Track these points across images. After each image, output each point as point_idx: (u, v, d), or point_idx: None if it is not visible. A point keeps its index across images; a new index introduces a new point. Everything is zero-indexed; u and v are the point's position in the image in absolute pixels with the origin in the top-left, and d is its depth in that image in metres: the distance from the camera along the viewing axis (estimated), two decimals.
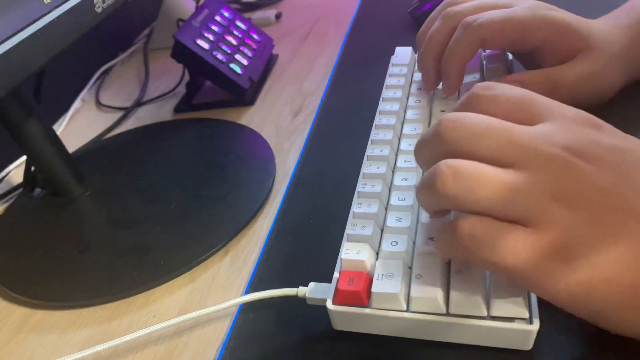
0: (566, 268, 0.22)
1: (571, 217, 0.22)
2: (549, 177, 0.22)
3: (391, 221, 0.30)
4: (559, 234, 0.22)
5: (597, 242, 0.22)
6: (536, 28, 0.36)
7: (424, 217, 0.30)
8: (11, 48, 0.31)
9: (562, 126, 0.24)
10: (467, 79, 0.41)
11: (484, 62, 0.43)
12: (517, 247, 0.22)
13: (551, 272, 0.22)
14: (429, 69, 0.40)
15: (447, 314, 0.26)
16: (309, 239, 0.36)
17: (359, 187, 0.33)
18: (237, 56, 0.55)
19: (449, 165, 0.23)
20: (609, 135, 0.24)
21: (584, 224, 0.22)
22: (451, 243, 0.24)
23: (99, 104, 0.64)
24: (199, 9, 0.56)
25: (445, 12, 0.38)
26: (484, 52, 0.45)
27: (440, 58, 0.38)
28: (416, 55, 0.47)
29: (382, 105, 0.40)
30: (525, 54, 0.42)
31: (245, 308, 0.33)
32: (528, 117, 0.25)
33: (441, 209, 0.27)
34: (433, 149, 0.25)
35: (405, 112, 0.40)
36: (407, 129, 0.38)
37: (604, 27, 0.37)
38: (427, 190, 0.24)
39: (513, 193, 0.22)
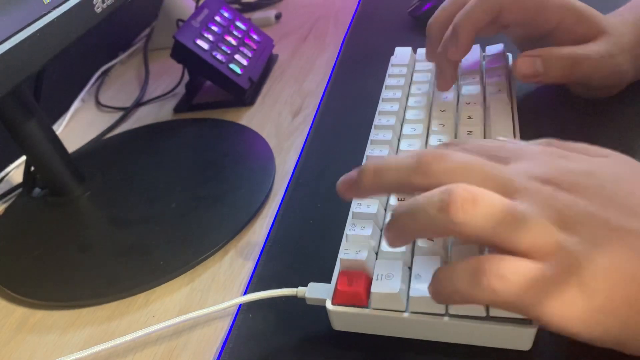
0: (584, 295, 0.21)
1: (575, 241, 0.21)
2: (542, 207, 0.22)
3: None
4: (570, 260, 0.21)
5: (606, 262, 0.21)
6: (554, 9, 0.36)
7: None
8: (11, 48, 0.31)
9: (534, 161, 0.24)
10: (467, 79, 0.41)
11: (484, 62, 0.43)
12: (542, 282, 0.21)
13: (570, 303, 0.21)
14: (447, 71, 0.39)
15: (447, 314, 0.26)
16: (309, 239, 0.36)
17: None
18: (237, 56, 0.55)
19: (465, 189, 0.22)
20: (578, 162, 0.25)
21: (588, 246, 0.21)
22: (468, 285, 0.22)
23: (98, 104, 0.64)
24: (198, 9, 0.56)
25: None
26: (484, 52, 0.45)
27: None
28: (416, 55, 0.47)
29: (382, 106, 0.40)
30: (532, 42, 0.41)
31: (245, 308, 0.33)
32: (500, 160, 0.25)
33: (439, 236, 0.25)
34: (409, 175, 0.24)
35: (404, 112, 0.40)
36: (406, 130, 0.38)
37: (612, 21, 0.38)
38: (435, 214, 0.22)
39: (527, 221, 0.22)
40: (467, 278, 0.22)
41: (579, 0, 0.37)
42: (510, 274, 0.21)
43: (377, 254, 0.30)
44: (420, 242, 0.29)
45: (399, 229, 0.25)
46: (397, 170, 0.25)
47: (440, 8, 0.41)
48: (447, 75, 0.40)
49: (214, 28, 0.56)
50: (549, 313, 0.21)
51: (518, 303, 0.21)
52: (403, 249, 0.29)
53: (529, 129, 0.38)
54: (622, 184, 0.23)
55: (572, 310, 0.21)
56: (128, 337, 0.31)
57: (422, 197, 0.23)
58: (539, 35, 0.38)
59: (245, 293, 0.34)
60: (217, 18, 0.57)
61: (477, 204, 0.22)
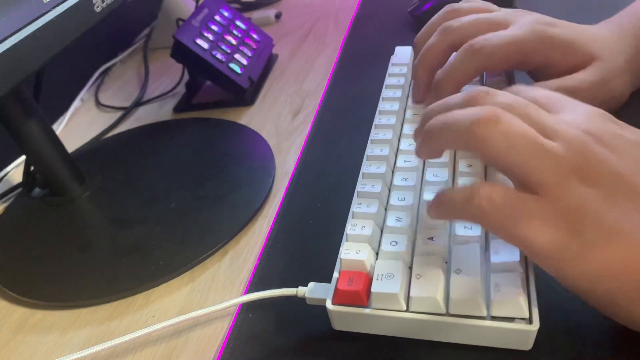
0: (578, 242, 0.22)
1: (587, 192, 0.22)
2: (570, 155, 0.23)
3: (391, 221, 0.30)
4: (573, 206, 0.22)
5: (611, 219, 0.22)
6: (537, 49, 0.35)
7: (425, 217, 0.30)
8: (10, 47, 0.31)
9: (585, 116, 0.25)
10: (467, 88, 0.41)
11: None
12: (532, 214, 0.22)
13: (562, 245, 0.22)
14: (421, 83, 0.39)
15: (447, 314, 0.26)
16: (309, 239, 0.36)
17: (359, 187, 0.33)
18: (237, 56, 0.55)
19: (495, 111, 0.23)
20: (630, 132, 0.25)
21: (599, 201, 0.22)
22: (463, 202, 0.24)
23: (98, 103, 0.64)
24: (198, 9, 0.56)
25: (443, 26, 0.38)
26: None
27: (434, 71, 0.38)
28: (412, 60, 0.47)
29: (382, 105, 0.40)
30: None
31: (245, 308, 0.33)
32: (550, 108, 0.26)
33: (460, 148, 0.27)
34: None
35: (405, 111, 0.40)
36: (406, 129, 0.38)
37: (608, 37, 0.37)
38: (463, 125, 0.24)
39: (544, 153, 0.23)
40: (464, 196, 0.24)
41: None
42: (500, 199, 0.23)
43: (377, 253, 0.30)
44: (421, 242, 0.29)
45: (432, 136, 0.26)
46: (450, 107, 0.26)
47: (428, 24, 0.41)
48: (419, 87, 0.40)
49: (214, 27, 0.56)
50: (536, 247, 0.22)
51: (502, 227, 0.23)
52: (403, 247, 0.29)
53: None
54: None
55: (562, 253, 0.22)
56: (128, 337, 0.31)
57: (458, 111, 0.25)
58: (529, 70, 0.38)
59: (245, 293, 0.34)
60: (217, 17, 0.57)
61: (499, 124, 0.23)
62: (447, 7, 0.40)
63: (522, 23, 0.36)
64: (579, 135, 0.23)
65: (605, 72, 0.35)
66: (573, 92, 0.35)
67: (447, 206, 0.25)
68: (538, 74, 0.38)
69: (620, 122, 0.26)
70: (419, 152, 0.28)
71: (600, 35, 0.37)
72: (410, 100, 0.41)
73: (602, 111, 0.26)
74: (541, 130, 0.24)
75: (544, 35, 0.35)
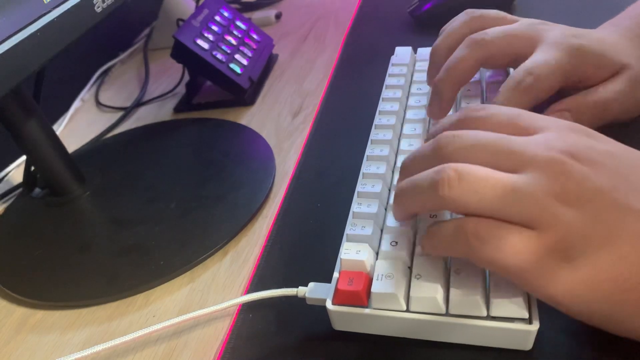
0: (568, 266, 0.22)
1: (572, 215, 0.22)
2: (549, 178, 0.23)
3: (391, 221, 0.30)
4: (561, 233, 0.22)
5: (598, 239, 0.22)
6: (576, 67, 0.33)
7: (425, 217, 0.30)
8: (10, 48, 0.31)
9: (558, 134, 0.25)
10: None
11: (486, 73, 0.43)
12: (519, 246, 0.22)
13: (553, 272, 0.22)
14: (445, 99, 0.36)
15: (447, 314, 0.26)
16: (309, 239, 0.36)
17: (359, 187, 0.33)
18: (237, 56, 0.55)
19: (453, 168, 0.24)
20: (604, 143, 0.25)
21: (585, 222, 0.22)
22: (451, 240, 0.24)
23: (98, 104, 0.64)
24: (198, 9, 0.56)
25: (473, 40, 0.35)
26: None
27: (460, 87, 0.36)
28: (417, 55, 0.47)
29: (382, 105, 0.40)
30: None
31: (245, 308, 0.33)
32: (522, 131, 0.26)
33: (435, 211, 0.27)
34: (429, 163, 0.26)
35: (405, 112, 0.40)
36: (406, 129, 0.38)
37: (629, 43, 0.35)
38: (427, 191, 0.24)
39: (516, 194, 0.23)
40: (451, 233, 0.24)
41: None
42: (486, 234, 0.23)
43: (377, 254, 0.30)
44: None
45: (400, 204, 0.27)
46: (421, 162, 0.27)
47: (447, 32, 0.38)
48: (442, 103, 0.36)
49: (214, 28, 0.56)
50: (527, 278, 0.23)
51: (493, 262, 0.23)
52: (403, 247, 0.29)
53: None
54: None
55: (553, 279, 0.22)
56: (128, 337, 0.31)
57: (418, 175, 0.26)
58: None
59: (245, 293, 0.34)
60: (217, 18, 0.57)
61: (462, 180, 0.23)
62: (468, 14, 0.38)
63: (553, 41, 0.34)
64: (554, 155, 0.23)
65: (634, 80, 0.34)
66: (612, 105, 0.34)
67: (437, 245, 0.26)
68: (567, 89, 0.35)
69: (593, 132, 0.26)
70: (394, 215, 0.29)
71: (620, 42, 0.35)
72: (410, 99, 0.41)
73: (574, 124, 0.26)
74: (512, 164, 0.24)
75: (579, 51, 0.33)
